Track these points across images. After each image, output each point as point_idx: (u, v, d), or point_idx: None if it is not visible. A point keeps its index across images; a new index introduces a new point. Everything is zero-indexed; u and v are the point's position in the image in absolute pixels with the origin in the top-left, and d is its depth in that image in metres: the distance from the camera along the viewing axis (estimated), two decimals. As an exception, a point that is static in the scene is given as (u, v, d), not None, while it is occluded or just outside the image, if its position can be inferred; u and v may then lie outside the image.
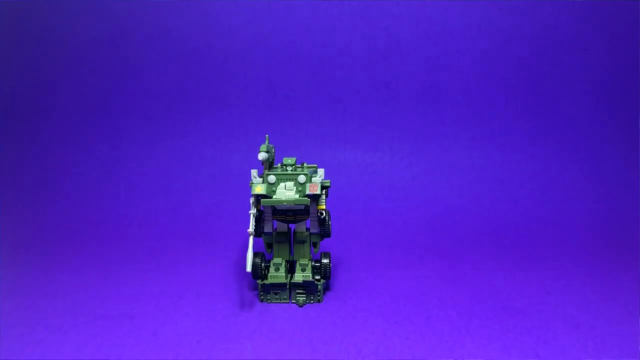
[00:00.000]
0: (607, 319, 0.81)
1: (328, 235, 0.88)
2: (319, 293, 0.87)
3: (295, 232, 0.89)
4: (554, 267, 1.01)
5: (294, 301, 0.87)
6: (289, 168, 0.86)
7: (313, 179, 0.85)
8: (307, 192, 0.83)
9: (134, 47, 1.39)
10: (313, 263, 0.89)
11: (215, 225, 1.17)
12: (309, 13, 1.37)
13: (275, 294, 0.87)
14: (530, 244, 1.14)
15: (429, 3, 1.36)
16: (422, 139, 1.41)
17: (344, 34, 1.38)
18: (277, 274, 0.87)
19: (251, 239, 0.83)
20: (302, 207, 0.85)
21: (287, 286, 0.87)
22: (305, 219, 0.88)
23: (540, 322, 0.80)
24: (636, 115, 1.40)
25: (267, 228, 0.89)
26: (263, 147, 0.85)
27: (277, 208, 0.87)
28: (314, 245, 0.89)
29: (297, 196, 0.83)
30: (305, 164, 0.89)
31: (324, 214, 0.87)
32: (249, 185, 0.87)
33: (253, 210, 0.84)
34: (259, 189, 0.83)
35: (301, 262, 0.88)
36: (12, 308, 0.86)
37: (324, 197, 0.86)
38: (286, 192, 0.83)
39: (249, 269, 0.81)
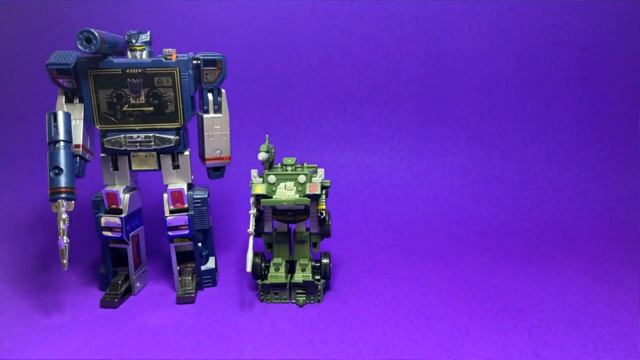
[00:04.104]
0: (607, 319, 0.81)
1: (328, 235, 0.88)
2: (319, 293, 0.87)
3: (295, 232, 0.89)
4: (554, 267, 1.01)
5: (294, 301, 0.87)
6: (289, 168, 0.86)
7: (313, 179, 0.85)
8: (307, 192, 0.83)
9: (134, 47, 1.39)
10: (313, 263, 0.89)
11: (215, 225, 1.17)
12: (309, 13, 1.37)
13: (275, 294, 0.87)
14: (530, 244, 1.14)
15: (429, 3, 1.36)
16: (422, 139, 1.41)
17: (344, 34, 1.38)
18: (277, 274, 0.87)
19: (251, 239, 0.83)
20: (302, 207, 0.85)
21: (287, 286, 0.87)
22: (305, 219, 0.88)
23: (540, 322, 0.80)
24: (636, 115, 1.40)
25: (267, 228, 0.89)
26: (263, 147, 0.85)
27: (277, 208, 0.87)
28: (314, 245, 0.89)
29: (297, 196, 0.83)
30: (305, 164, 0.89)
31: (324, 214, 0.87)
32: (249, 185, 0.87)
33: (253, 211, 0.84)
34: (259, 189, 0.83)
35: (301, 262, 0.88)
36: (12, 308, 0.86)
37: (324, 197, 0.86)
38: (286, 192, 0.83)
39: (249, 269, 0.81)
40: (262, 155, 0.84)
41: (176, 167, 0.89)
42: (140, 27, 0.91)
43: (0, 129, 1.43)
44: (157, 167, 0.89)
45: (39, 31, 1.38)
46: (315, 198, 0.85)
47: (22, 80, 1.41)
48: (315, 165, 0.89)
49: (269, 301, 0.87)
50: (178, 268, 0.91)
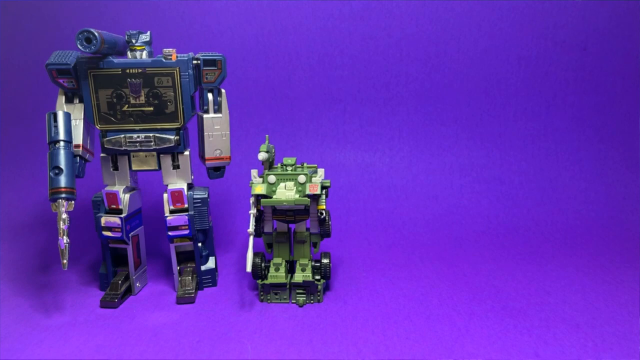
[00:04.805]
0: (607, 319, 0.81)
1: (328, 235, 0.88)
2: (319, 293, 0.87)
3: (295, 232, 0.89)
4: (554, 267, 1.01)
5: (294, 301, 0.87)
6: (289, 168, 0.86)
7: (313, 179, 0.85)
8: (307, 192, 0.83)
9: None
10: (313, 263, 0.89)
11: (215, 225, 1.17)
12: (309, 13, 1.37)
13: (275, 294, 0.87)
14: (531, 244, 1.14)
15: (429, 3, 1.36)
16: (422, 139, 1.41)
17: (344, 34, 1.38)
18: (277, 274, 0.87)
19: (251, 239, 0.83)
20: (302, 207, 0.85)
21: (287, 286, 0.87)
22: (305, 219, 0.88)
23: (540, 322, 0.80)
24: (636, 115, 1.40)
25: (267, 228, 0.89)
26: (263, 147, 0.85)
27: (277, 208, 0.87)
28: (314, 245, 0.89)
29: (297, 196, 0.83)
30: (305, 164, 0.89)
31: (324, 214, 0.87)
32: (249, 185, 0.87)
33: (253, 211, 0.84)
34: (259, 189, 0.83)
35: (301, 262, 0.88)
36: (12, 308, 0.86)
37: (324, 197, 0.86)
38: (286, 192, 0.83)
39: (249, 269, 0.81)
40: (262, 155, 0.84)
41: (176, 167, 0.89)
42: (140, 27, 0.91)
43: (0, 129, 1.43)
44: (157, 167, 0.89)
45: (39, 31, 1.38)
46: (315, 198, 0.85)
47: (22, 80, 1.41)
48: (315, 165, 0.90)
49: (269, 301, 0.87)
50: (178, 268, 0.91)
